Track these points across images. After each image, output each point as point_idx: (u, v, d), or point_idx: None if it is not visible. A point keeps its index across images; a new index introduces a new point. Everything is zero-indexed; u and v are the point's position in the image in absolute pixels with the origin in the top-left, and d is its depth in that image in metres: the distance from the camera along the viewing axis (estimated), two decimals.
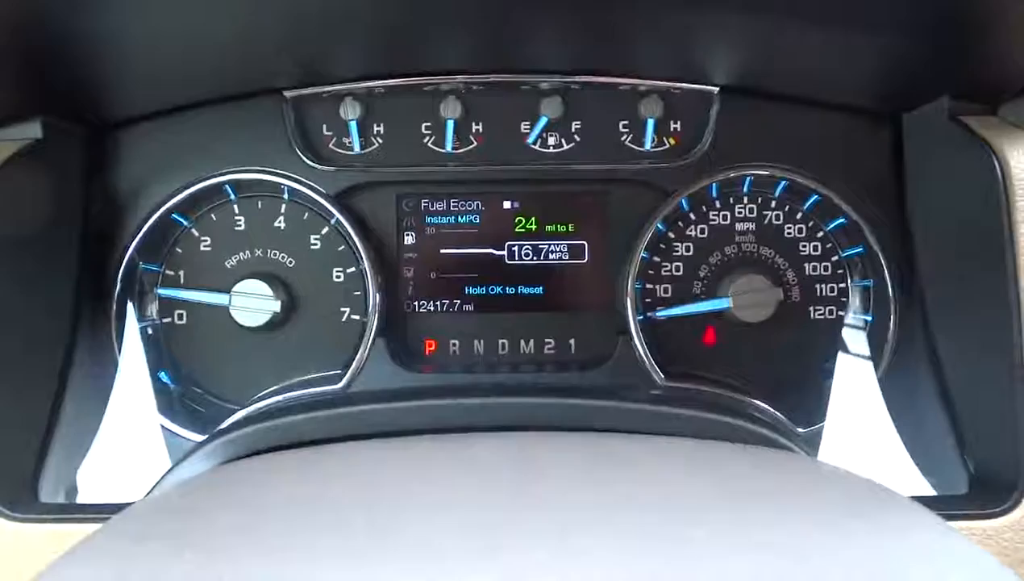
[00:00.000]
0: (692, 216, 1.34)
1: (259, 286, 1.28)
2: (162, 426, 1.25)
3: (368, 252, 1.30)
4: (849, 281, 1.34)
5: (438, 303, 1.36)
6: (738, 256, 1.34)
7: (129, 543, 0.57)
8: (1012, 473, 0.97)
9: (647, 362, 1.30)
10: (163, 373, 1.31)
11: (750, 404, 1.27)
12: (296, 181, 1.29)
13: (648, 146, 1.34)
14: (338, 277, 1.34)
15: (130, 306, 1.28)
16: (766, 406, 1.26)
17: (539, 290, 1.37)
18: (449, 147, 1.33)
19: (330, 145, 1.33)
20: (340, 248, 1.33)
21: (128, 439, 1.20)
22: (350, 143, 1.33)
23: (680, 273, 1.35)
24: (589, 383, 1.31)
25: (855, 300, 1.34)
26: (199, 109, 1.29)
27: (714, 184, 1.31)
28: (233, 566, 0.52)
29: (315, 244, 1.34)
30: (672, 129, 1.34)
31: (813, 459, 0.91)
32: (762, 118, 1.31)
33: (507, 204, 1.36)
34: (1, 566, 0.95)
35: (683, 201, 1.32)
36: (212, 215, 1.33)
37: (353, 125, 1.32)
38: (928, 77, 1.13)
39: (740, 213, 1.34)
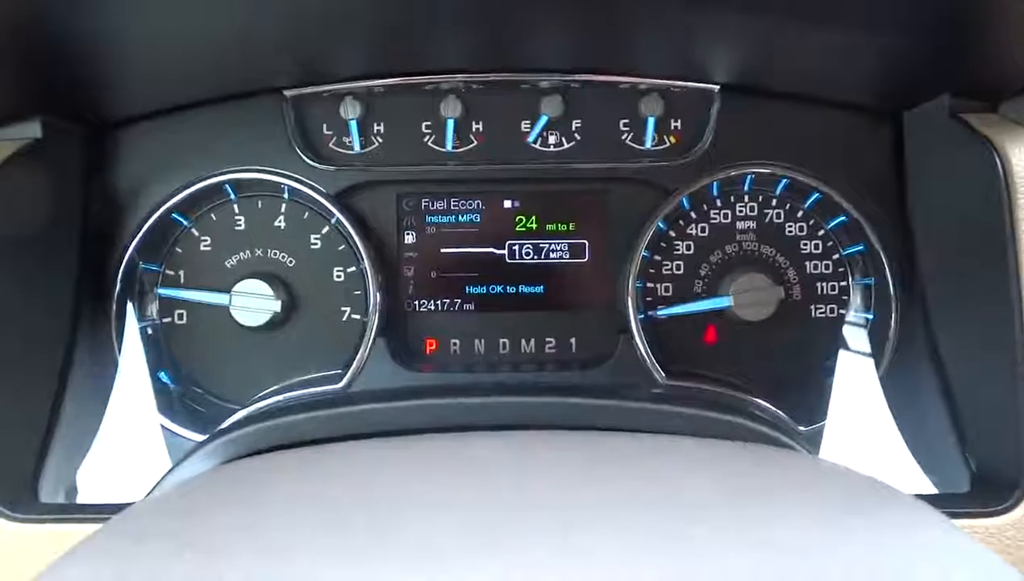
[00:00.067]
0: (693, 215, 1.34)
1: (259, 286, 1.28)
2: (162, 426, 1.25)
3: (368, 251, 1.30)
4: (850, 279, 1.34)
5: (439, 302, 1.36)
6: (739, 254, 1.34)
7: (129, 543, 0.57)
8: (1014, 471, 0.97)
9: (648, 361, 1.29)
10: (163, 373, 1.31)
11: (751, 402, 1.27)
12: (296, 180, 1.29)
13: (649, 145, 1.34)
14: (338, 276, 1.34)
15: (130, 306, 1.28)
16: (767, 404, 1.26)
17: (540, 289, 1.36)
18: (449, 146, 1.33)
19: (330, 144, 1.33)
20: (340, 247, 1.33)
21: (128, 439, 1.20)
22: (350, 142, 1.33)
23: (681, 272, 1.34)
24: (590, 382, 1.30)
25: (856, 298, 1.34)
26: (199, 108, 1.29)
27: (715, 182, 1.31)
28: (233, 566, 0.52)
29: (315, 243, 1.34)
30: (673, 127, 1.34)
31: (815, 457, 0.90)
32: (763, 116, 1.31)
33: (507, 203, 1.36)
34: (1, 566, 0.95)
35: (684, 200, 1.31)
36: (212, 215, 1.33)
37: (353, 124, 1.32)
38: (929, 75, 1.13)
39: (741, 211, 1.34)
